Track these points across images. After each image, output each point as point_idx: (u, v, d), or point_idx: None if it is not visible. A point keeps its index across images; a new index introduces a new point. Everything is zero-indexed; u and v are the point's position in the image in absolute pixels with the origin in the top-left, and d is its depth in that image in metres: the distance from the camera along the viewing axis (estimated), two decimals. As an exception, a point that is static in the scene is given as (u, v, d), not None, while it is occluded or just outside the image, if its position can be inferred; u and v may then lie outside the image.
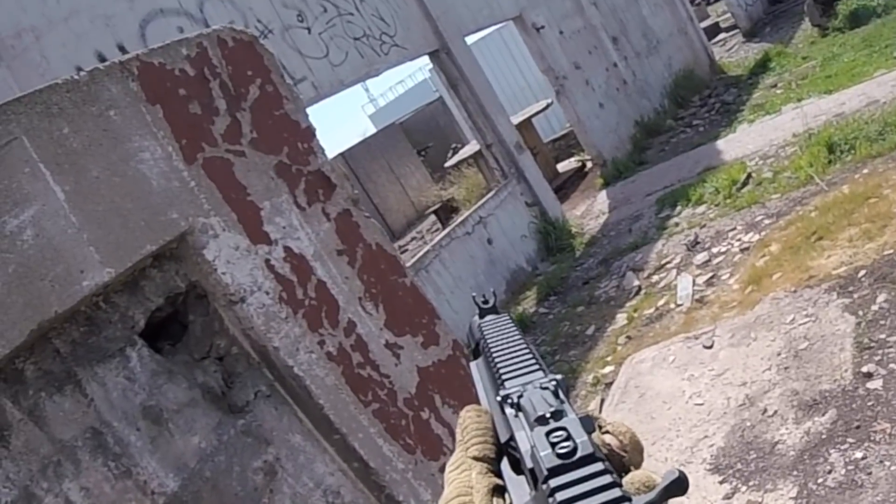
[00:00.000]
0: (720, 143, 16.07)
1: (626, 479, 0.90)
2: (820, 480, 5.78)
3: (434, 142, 32.29)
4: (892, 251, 8.07)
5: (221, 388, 3.35)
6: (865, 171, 10.54)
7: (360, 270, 3.96)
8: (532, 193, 15.90)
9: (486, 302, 1.43)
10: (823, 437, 6.16)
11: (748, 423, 6.82)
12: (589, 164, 20.35)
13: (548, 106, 21.71)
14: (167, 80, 3.35)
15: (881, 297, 7.43)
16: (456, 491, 0.98)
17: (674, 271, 11.12)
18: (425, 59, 15.60)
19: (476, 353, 1.29)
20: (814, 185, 11.09)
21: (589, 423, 0.88)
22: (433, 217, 25.75)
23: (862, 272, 7.99)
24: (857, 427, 6.07)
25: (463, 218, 14.90)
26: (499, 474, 0.99)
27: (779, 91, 17.76)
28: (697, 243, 11.55)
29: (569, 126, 21.17)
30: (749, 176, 12.98)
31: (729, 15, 29.11)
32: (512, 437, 0.93)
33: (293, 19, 11.75)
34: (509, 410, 0.96)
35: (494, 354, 1.15)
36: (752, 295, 8.97)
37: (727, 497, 6.18)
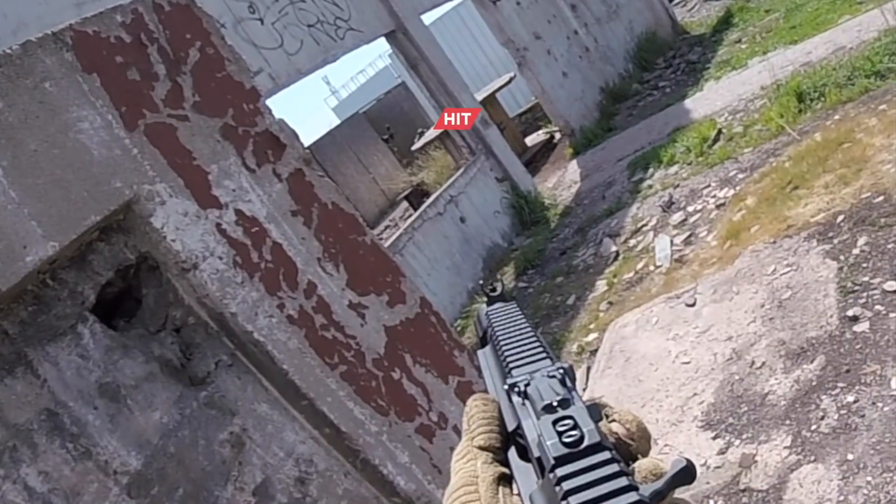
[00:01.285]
0: (688, 103, 16.04)
1: (633, 467, 0.91)
2: (813, 427, 5.74)
3: (399, 127, 32.17)
4: (868, 194, 8.05)
5: (180, 360, 3.25)
6: (837, 117, 10.52)
7: (318, 230, 3.87)
8: (502, 168, 15.85)
9: (493, 290, 1.44)
10: (814, 384, 6.13)
11: (737, 377, 6.78)
12: (557, 136, 20.30)
13: (511, 80, 21.66)
14: (103, 48, 3.27)
15: (861, 241, 7.40)
16: (461, 481, 0.99)
17: (651, 233, 11.08)
18: (385, 46, 15.51)
19: (484, 342, 1.30)
20: (786, 135, 11.06)
21: (596, 412, 0.89)
22: (405, 203, 25.70)
23: (840, 217, 7.96)
24: (847, 371, 6.04)
25: (434, 198, 14.86)
26: (505, 463, 1.00)
27: (744, 46, 17.73)
28: (672, 203, 11.51)
29: (534, 99, 21.17)
30: (720, 132, 12.94)
31: (688, -25, 29.10)
32: (519, 426, 0.94)
33: (244, 11, 11.64)
34: (516, 399, 0.96)
35: (502, 342, 1.15)
36: (731, 250, 8.94)
37: (721, 452, 6.14)
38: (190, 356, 3.30)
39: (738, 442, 6.13)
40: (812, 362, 6.35)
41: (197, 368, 3.28)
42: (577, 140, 18.07)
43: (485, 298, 1.44)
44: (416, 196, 24.19)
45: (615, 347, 8.57)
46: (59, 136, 2.98)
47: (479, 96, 19.43)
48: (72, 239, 2.88)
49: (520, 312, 1.28)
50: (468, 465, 1.01)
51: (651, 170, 13.54)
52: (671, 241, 10.32)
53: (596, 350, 8.95)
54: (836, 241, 7.66)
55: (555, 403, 0.88)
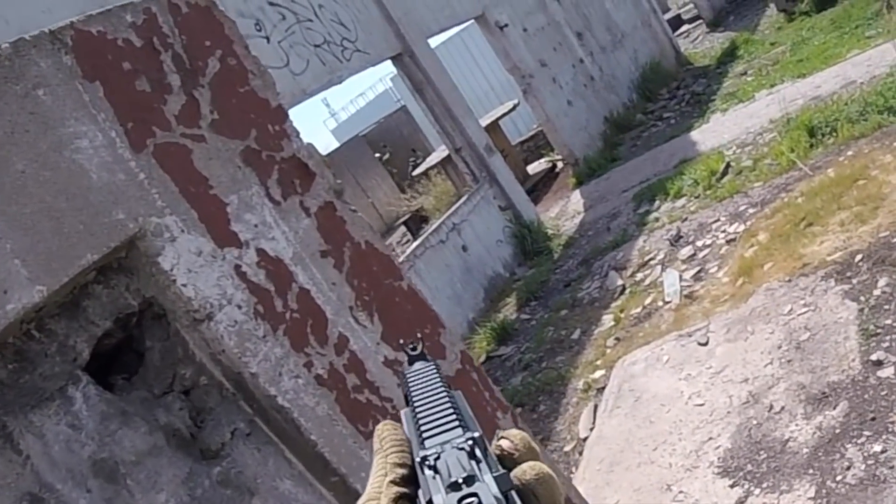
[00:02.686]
0: (694, 134, 15.86)
1: (516, 471, 0.98)
2: (839, 478, 5.48)
3: (398, 151, 32.05)
4: (887, 233, 7.83)
5: (190, 428, 2.79)
6: (850, 152, 10.31)
7: (349, 274, 3.46)
8: (505, 197, 15.65)
9: (413, 349, 1.43)
10: (837, 431, 5.87)
11: (754, 422, 6.53)
12: (560, 165, 20.13)
13: (514, 107, 21.52)
14: (109, 51, 2.87)
15: (882, 282, 7.16)
16: (367, 496, 1.05)
17: (658, 267, 10.84)
18: (385, 68, 15.37)
19: (408, 401, 1.26)
20: (797, 170, 10.85)
21: (505, 482, 0.92)
22: (403, 228, 25.52)
23: (858, 257, 7.73)
24: (873, 419, 5.79)
25: (436, 226, 14.63)
26: (412, 481, 1.03)
27: (749, 78, 17.59)
28: (680, 237, 11.28)
29: (536, 126, 21.01)
30: (728, 165, 12.73)
31: (691, 6, 29.02)
32: (430, 501, 0.93)
33: (251, 28, 11.42)
34: (428, 472, 0.97)
35: (416, 409, 1.16)
36: (743, 287, 8.69)
37: (740, 501, 5.89)
38: (201, 424, 2.85)
39: (757, 491, 5.87)
40: (835, 408, 6.10)
41: (210, 439, 2.82)
42: (581, 169, 17.90)
43: (405, 357, 1.43)
44: (415, 221, 24.06)
45: (624, 386, 8.31)
46: (52, 154, 2.54)
47: (483, 122, 19.27)
48: (63, 282, 2.44)
49: (437, 375, 1.28)
50: (378, 480, 1.06)
51: (657, 202, 13.32)
52: (680, 276, 10.08)
53: (603, 388, 8.69)
54: (854, 281, 7.42)
55: (460, 480, 0.90)
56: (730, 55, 20.78)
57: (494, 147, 16.11)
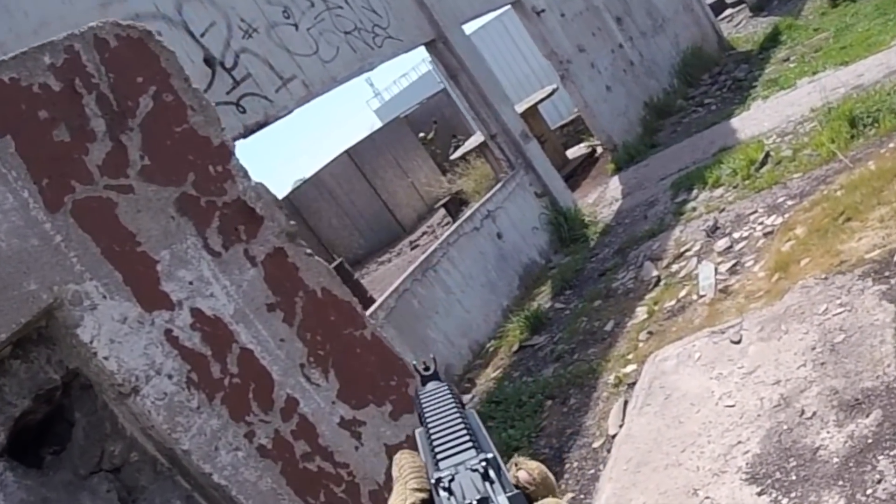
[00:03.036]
0: (734, 122, 15.58)
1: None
2: (869, 491, 5.28)
3: (439, 133, 31.92)
4: (927, 231, 7.60)
5: None
6: (892, 145, 10.05)
7: (302, 327, 3.13)
8: (541, 183, 15.45)
9: (427, 369, 1.45)
10: (869, 441, 5.66)
11: (785, 427, 6.33)
12: (599, 150, 19.90)
13: (553, 92, 21.29)
14: (22, 101, 2.57)
15: (921, 283, 6.95)
16: None
17: (694, 259, 10.63)
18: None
19: (422, 421, 1.29)
20: (837, 161, 10.60)
21: (519, 502, 0.95)
22: (443, 210, 25.42)
23: (897, 255, 7.51)
24: (906, 429, 5.59)
25: (471, 213, 14.47)
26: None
27: (792, 65, 17.27)
28: (717, 228, 11.06)
29: (576, 111, 20.75)
30: (767, 155, 12.47)
31: (734, -11, 28.64)
32: None
33: (279, 16, 11.28)
34: (443, 493, 0.99)
35: (430, 431, 1.18)
36: (779, 283, 8.48)
37: (768, 511, 5.71)
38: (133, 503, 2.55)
39: (785, 501, 5.68)
40: (867, 416, 5.89)
41: (142, 522, 2.55)
42: (620, 155, 17.69)
43: (418, 377, 1.45)
44: (454, 204, 23.98)
45: (654, 383, 8.13)
46: (-48, 223, 2.28)
47: (521, 108, 19.08)
48: (-32, 366, 2.20)
49: (450, 396, 1.30)
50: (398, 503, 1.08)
51: (695, 191, 13.09)
52: (715, 270, 9.87)
53: (634, 383, 8.52)
54: (893, 281, 7.19)
55: (474, 503, 0.92)
56: (772, 40, 20.44)
57: (531, 133, 15.90)
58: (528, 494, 1.03)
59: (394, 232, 30.85)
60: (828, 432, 5.98)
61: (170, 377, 2.61)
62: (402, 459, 1.17)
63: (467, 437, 1.12)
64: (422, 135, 32.34)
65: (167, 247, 2.76)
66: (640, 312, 10.23)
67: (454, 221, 21.68)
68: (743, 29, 24.96)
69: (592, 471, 7.62)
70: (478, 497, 0.93)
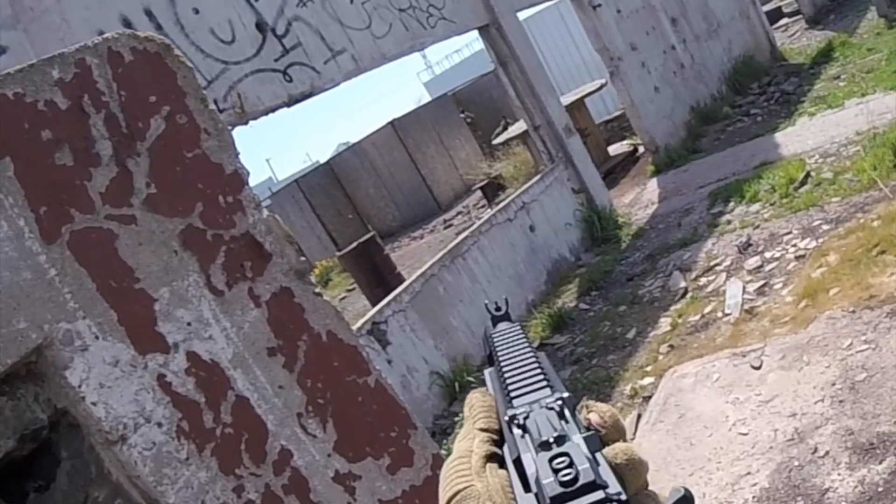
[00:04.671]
0: (778, 136, 15.37)
1: (606, 451, 0.95)
2: (875, 542, 5.17)
3: (485, 114, 31.81)
4: (961, 274, 7.44)
5: None
6: (935, 178, 9.87)
7: (303, 374, 2.95)
8: (579, 179, 15.31)
9: (498, 309, 1.43)
10: (880, 489, 5.53)
11: (796, 463, 6.20)
12: (641, 149, 19.73)
13: (602, 86, 21.08)
14: (25, 118, 2.40)
15: (949, 328, 6.80)
16: (457, 454, 1.07)
17: (723, 275, 10.49)
18: (481, 33, 15.02)
19: (491, 361, 1.28)
20: (877, 190, 10.41)
21: (595, 442, 0.93)
22: (479, 193, 25.33)
23: (929, 296, 7.35)
24: (919, 481, 5.45)
25: (505, 203, 14.35)
26: (500, 444, 1.05)
27: (842, 84, 17.00)
28: (750, 245, 10.91)
29: (622, 108, 20.56)
30: (808, 175, 12.29)
31: (792, -1, 28.30)
32: (519, 458, 0.94)
33: (333, -13, 11.20)
34: (516, 431, 0.97)
35: (504, 369, 1.15)
36: (806, 310, 8.32)
37: (769, 550, 5.59)
38: (117, 555, 2.42)
39: (789, 541, 5.58)
40: (881, 463, 5.75)
41: (125, 575, 2.39)
42: (661, 158, 17.50)
43: (489, 317, 1.43)
44: (492, 188, 23.91)
45: (670, 399, 8.01)
46: (-60, 251, 2.17)
47: (568, 99, 18.94)
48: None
49: (523, 336, 1.27)
50: (468, 442, 1.08)
51: (732, 204, 12.91)
52: (743, 289, 9.72)
53: (650, 397, 8.41)
54: (921, 322, 7.05)
55: (551, 440, 0.90)
56: (825, 56, 20.14)
57: (574, 128, 15.75)
58: (600, 437, 1.00)
59: (430, 208, 30.78)
60: (839, 474, 5.86)
61: (159, 426, 2.46)
62: (473, 399, 1.18)
63: (542, 376, 1.10)
64: (463, 115, 32.25)
65: (167, 284, 2.60)
66: (664, 324, 10.10)
67: (490, 205, 21.61)
68: (797, 41, 24.63)
69: (599, 482, 7.51)
70: (555, 435, 0.90)
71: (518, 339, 1.24)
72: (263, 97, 9.86)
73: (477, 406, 1.14)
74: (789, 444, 6.44)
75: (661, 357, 9.24)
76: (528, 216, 14.11)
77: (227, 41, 9.57)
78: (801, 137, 14.54)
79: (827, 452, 6.13)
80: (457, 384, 11.18)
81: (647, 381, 8.83)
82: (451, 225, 26.41)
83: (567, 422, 0.95)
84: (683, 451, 7.08)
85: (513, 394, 1.06)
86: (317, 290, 3.04)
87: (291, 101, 10.26)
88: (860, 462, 5.86)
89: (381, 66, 12.23)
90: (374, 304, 13.11)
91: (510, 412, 1.00)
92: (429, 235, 27.23)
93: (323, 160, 40.80)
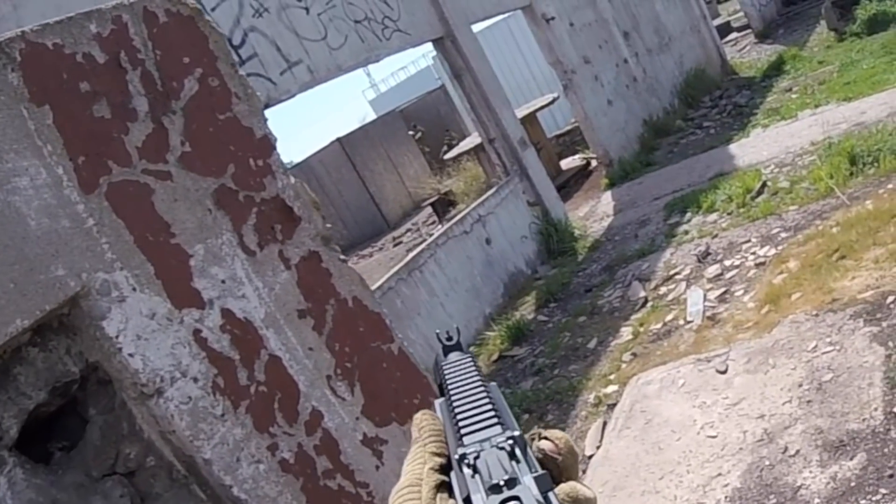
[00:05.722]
0: (733, 148, 15.57)
1: (557, 490, 0.97)
2: (849, 536, 5.27)
3: (433, 131, 31.92)
4: (923, 276, 7.58)
5: None
6: (890, 185, 10.05)
7: (331, 337, 2.98)
8: (535, 192, 15.40)
9: (449, 339, 1.42)
10: (852, 484, 5.63)
11: (767, 462, 6.30)
12: (594, 163, 19.86)
13: (553, 100, 21.22)
14: (64, 69, 2.41)
15: (913, 329, 6.93)
16: (408, 481, 1.07)
17: (683, 283, 10.60)
18: (429, 46, 15.09)
19: (441, 391, 1.28)
20: (834, 197, 10.60)
21: (546, 482, 0.92)
22: (430, 209, 25.36)
23: (890, 298, 7.48)
24: (891, 476, 5.55)
25: (461, 216, 14.40)
26: (449, 470, 1.06)
27: (794, 96, 17.28)
28: (709, 254, 11.04)
29: (574, 122, 20.72)
30: (764, 184, 12.47)
31: (741, 14, 28.69)
32: (468, 498, 0.94)
33: (292, -2, 11.24)
34: (467, 471, 0.98)
35: (454, 404, 1.15)
36: (769, 316, 8.45)
37: (744, 548, 5.67)
38: (146, 512, 2.42)
39: (763, 538, 5.66)
40: (852, 459, 5.86)
41: (153, 531, 2.40)
42: (615, 171, 17.67)
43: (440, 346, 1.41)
44: (442, 204, 23.94)
45: (636, 406, 8.09)
46: (-19, 194, 2.16)
47: (520, 113, 19.05)
48: (-13, 353, 2.08)
49: (474, 368, 1.27)
50: (417, 468, 1.08)
51: (689, 214, 13.05)
52: (704, 296, 9.84)
53: (614, 404, 8.47)
54: (884, 324, 7.17)
55: (502, 483, 0.90)
56: (776, 69, 20.43)
57: (529, 141, 15.86)
58: (554, 465, 1.05)
59: (378, 226, 30.78)
60: (810, 472, 5.96)
61: (195, 381, 2.47)
62: (423, 421, 1.17)
63: (493, 413, 1.09)
64: (411, 133, 32.33)
65: (202, 241, 2.62)
66: (626, 333, 10.19)
67: (440, 221, 21.67)
68: (747, 55, 24.95)
69: (566, 489, 7.56)
70: (505, 478, 0.91)
71: (469, 372, 1.26)
72: (219, 108, 9.86)
73: (427, 429, 1.15)
74: (759, 444, 6.54)
75: (623, 365, 9.31)
76: (484, 229, 14.17)
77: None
78: (755, 148, 14.74)
79: (797, 451, 6.23)
80: (416, 397, 11.18)
81: (611, 388, 8.89)
82: (400, 242, 26.42)
83: (518, 461, 0.96)
84: (652, 456, 7.16)
85: (463, 430, 1.07)
86: (342, 256, 3.09)
87: (248, 113, 10.28)
88: (831, 459, 5.96)
89: (337, 78, 12.28)
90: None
91: (461, 450, 1.01)
92: (378, 253, 27.22)
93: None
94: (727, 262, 10.48)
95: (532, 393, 9.82)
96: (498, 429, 1.04)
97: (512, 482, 0.90)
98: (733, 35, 29.01)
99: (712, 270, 10.47)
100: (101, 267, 2.36)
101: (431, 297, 12.58)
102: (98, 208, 2.40)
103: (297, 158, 34.72)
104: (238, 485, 2.52)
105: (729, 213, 12.18)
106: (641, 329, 10.00)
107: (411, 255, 13.13)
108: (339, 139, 30.86)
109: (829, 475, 5.82)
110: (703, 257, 11.02)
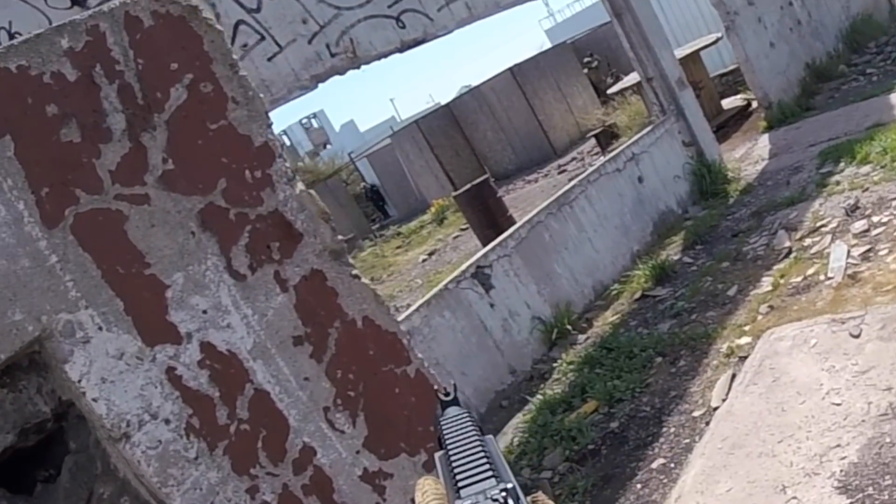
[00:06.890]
0: (893, 98, 14.67)
1: None
2: (965, 529, 4.83)
3: (601, 63, 31.44)
4: None
5: None
6: None
7: (333, 364, 2.66)
8: (690, 132, 14.86)
9: (447, 395, 1.41)
10: (975, 473, 5.18)
11: (887, 440, 5.84)
12: (754, 104, 19.11)
13: (717, 40, 20.42)
14: (28, 93, 2.15)
15: None
16: None
17: (829, 237, 10.01)
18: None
19: (441, 444, 1.27)
20: None
21: None
22: (594, 140, 24.98)
23: None
24: None
25: (615, 153, 13.99)
26: None
27: (963, 46, 16.23)
28: (857, 208, 10.40)
29: (737, 63, 19.97)
30: (922, 138, 11.70)
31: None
32: None
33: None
34: None
35: (451, 458, 1.17)
36: (910, 280, 7.89)
37: (854, 528, 5.27)
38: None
39: (874, 520, 5.24)
40: (978, 445, 5.39)
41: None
42: (773, 114, 16.91)
43: (438, 401, 1.42)
44: (606, 136, 23.54)
45: (765, 362, 7.66)
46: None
47: (683, 52, 18.39)
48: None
49: (470, 423, 1.28)
50: None
51: (842, 164, 12.32)
52: (848, 252, 9.26)
53: (745, 357, 8.06)
54: None
55: None
56: (949, 16, 19.30)
57: (687, 81, 15.27)
58: None
59: (545, 153, 30.58)
60: (932, 455, 5.50)
61: (167, 422, 2.25)
62: (426, 486, 1.22)
63: (488, 466, 1.12)
64: (587, 59, 31.84)
65: (182, 269, 2.37)
66: (766, 283, 9.70)
67: (603, 152, 21.24)
68: (919, 0, 23.66)
69: (687, 440, 7.26)
70: None
71: (465, 426, 1.27)
72: (376, 43, 9.68)
73: (430, 493, 1.19)
74: (882, 419, 6.08)
75: (760, 317, 8.87)
76: (637, 167, 13.75)
77: (340, -14, 9.38)
78: (917, 100, 13.91)
79: (921, 431, 5.77)
80: (556, 330, 11.00)
81: (745, 340, 8.48)
82: (564, 170, 26.13)
83: None
84: (774, 417, 6.76)
85: (460, 483, 1.08)
86: (354, 271, 2.75)
87: (404, 47, 10.09)
88: (956, 443, 5.50)
89: (496, 14, 11.94)
90: (484, 245, 13.00)
91: (458, 503, 1.03)
92: (543, 179, 27.01)
93: (444, 102, 40.83)
94: (875, 219, 9.85)
95: (668, 336, 9.50)
96: (493, 481, 1.07)
97: None
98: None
99: (859, 226, 9.85)
100: (64, 307, 2.15)
101: (580, 232, 12.28)
102: (62, 243, 2.18)
103: (475, 83, 34.66)
104: (210, 534, 2.24)
105: (882, 167, 11.44)
106: (782, 281, 9.49)
107: (562, 190, 12.82)
108: (510, 68, 30.66)
109: (952, 460, 5.37)
110: (852, 211, 10.39)
